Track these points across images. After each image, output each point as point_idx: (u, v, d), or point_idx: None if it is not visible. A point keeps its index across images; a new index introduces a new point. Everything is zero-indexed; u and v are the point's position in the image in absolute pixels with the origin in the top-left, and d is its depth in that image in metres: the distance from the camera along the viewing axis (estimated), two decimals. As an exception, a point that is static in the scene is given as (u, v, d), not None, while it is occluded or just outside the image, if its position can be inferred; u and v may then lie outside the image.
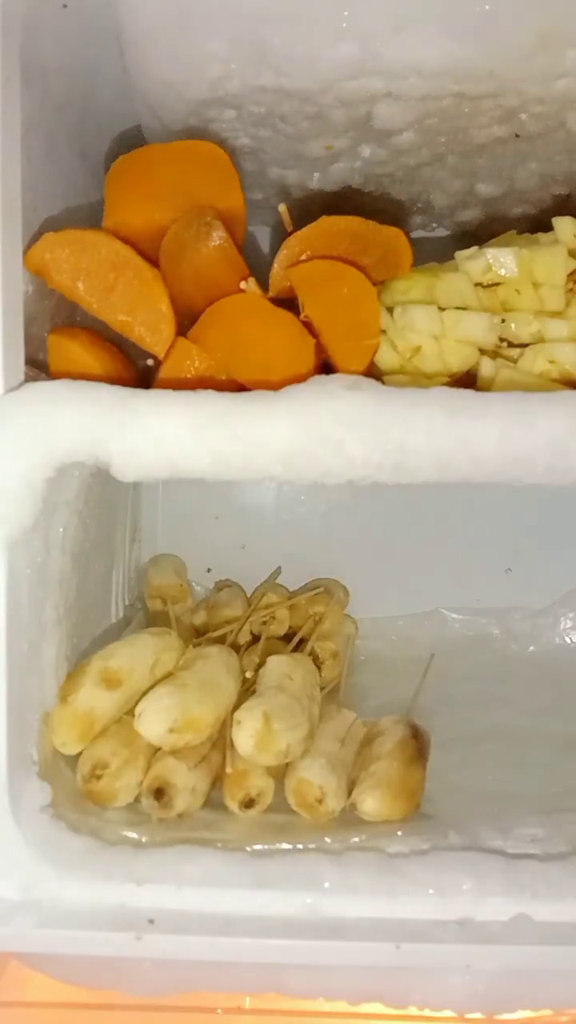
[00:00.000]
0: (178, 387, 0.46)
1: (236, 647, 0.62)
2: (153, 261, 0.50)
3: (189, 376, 0.50)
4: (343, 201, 0.66)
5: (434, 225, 0.75)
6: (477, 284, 0.53)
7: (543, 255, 0.51)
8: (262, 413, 0.44)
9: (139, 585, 0.77)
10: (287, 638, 0.68)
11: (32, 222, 0.49)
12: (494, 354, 0.53)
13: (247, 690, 0.54)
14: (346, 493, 0.79)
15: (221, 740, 0.51)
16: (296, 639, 0.67)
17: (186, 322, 0.51)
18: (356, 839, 0.47)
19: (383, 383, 0.47)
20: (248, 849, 0.46)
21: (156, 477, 0.44)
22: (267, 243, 0.76)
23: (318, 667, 0.61)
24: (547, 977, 0.47)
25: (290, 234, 0.53)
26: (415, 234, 0.75)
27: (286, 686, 0.52)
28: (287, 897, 0.44)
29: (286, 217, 0.54)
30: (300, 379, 0.46)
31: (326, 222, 0.52)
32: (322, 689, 0.58)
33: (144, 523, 0.79)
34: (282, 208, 0.55)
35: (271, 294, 0.52)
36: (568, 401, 0.44)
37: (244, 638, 0.68)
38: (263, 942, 0.43)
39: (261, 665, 0.55)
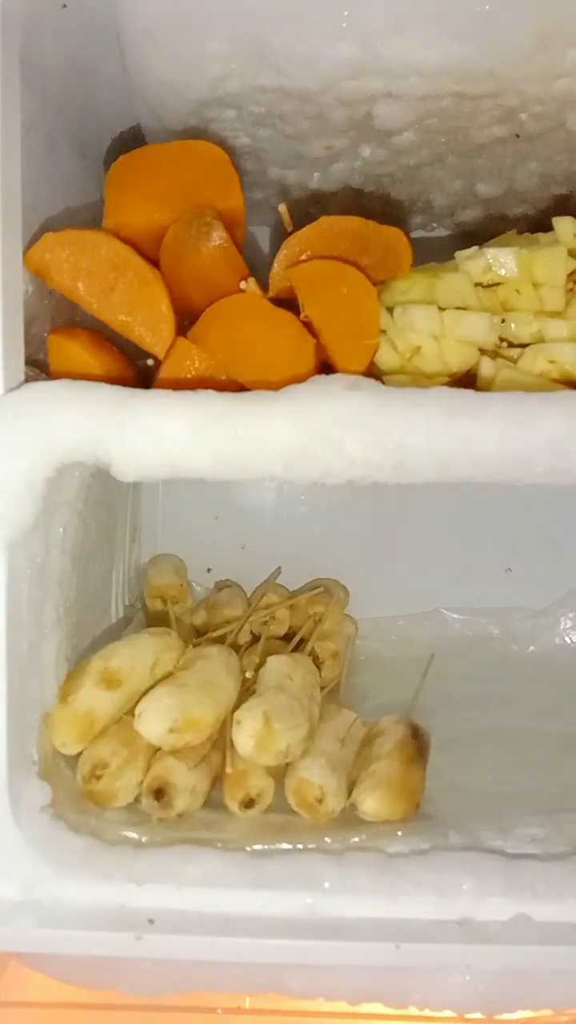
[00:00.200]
0: (178, 387, 0.46)
1: (236, 647, 0.62)
2: (153, 261, 0.50)
3: (189, 376, 0.50)
4: (343, 201, 0.66)
5: (434, 225, 0.75)
6: (477, 284, 0.53)
7: (543, 255, 0.51)
8: (262, 413, 0.44)
9: (139, 585, 0.77)
10: (287, 638, 0.68)
11: (32, 222, 0.49)
12: (494, 354, 0.53)
13: (247, 690, 0.54)
14: (346, 493, 0.79)
15: (221, 740, 0.51)
16: (296, 639, 0.67)
17: (186, 322, 0.51)
18: (356, 839, 0.47)
19: (383, 383, 0.47)
20: (248, 849, 0.46)
21: (156, 477, 0.44)
22: (267, 243, 0.76)
23: (318, 667, 0.61)
24: (547, 977, 0.47)
25: (290, 234, 0.53)
26: (415, 234, 0.75)
27: (286, 686, 0.52)
28: (287, 897, 0.44)
29: (286, 217, 0.54)
30: (300, 379, 0.46)
31: (326, 222, 0.52)
32: (322, 689, 0.58)
33: (144, 523, 0.79)
34: (282, 208, 0.55)
35: (271, 294, 0.52)
36: (568, 401, 0.44)
37: (244, 638, 0.68)
38: (263, 942, 0.43)
39: (261, 665, 0.55)
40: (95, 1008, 0.56)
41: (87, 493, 0.54)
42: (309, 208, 0.66)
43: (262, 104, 0.52)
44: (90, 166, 0.59)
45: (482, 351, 0.53)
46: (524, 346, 0.52)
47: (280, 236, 0.54)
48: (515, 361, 0.52)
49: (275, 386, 0.46)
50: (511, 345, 0.53)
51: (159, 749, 0.49)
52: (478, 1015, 0.53)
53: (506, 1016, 0.53)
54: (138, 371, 0.54)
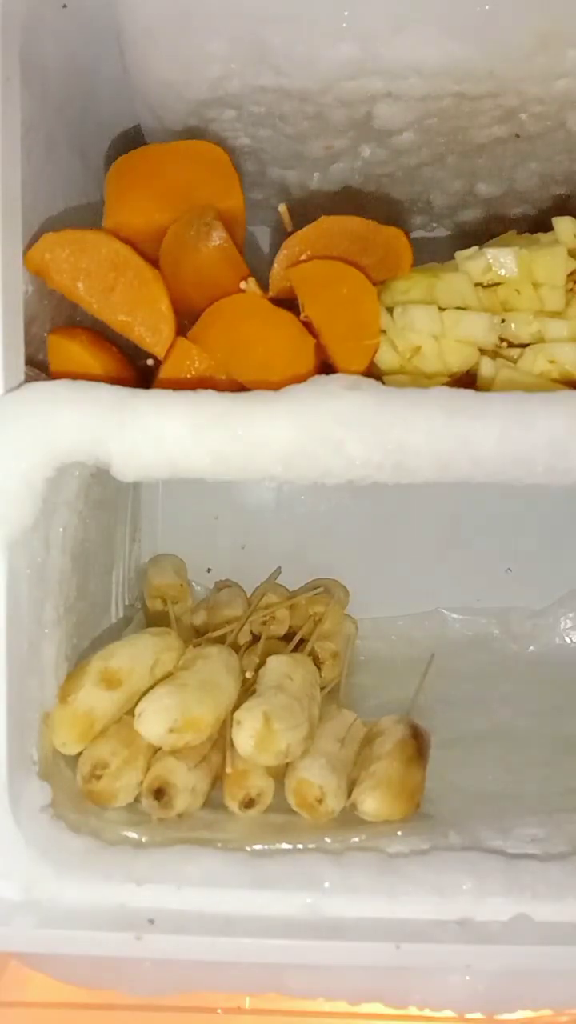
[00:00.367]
0: (178, 387, 0.46)
1: (236, 647, 0.62)
2: (153, 261, 0.50)
3: (189, 376, 0.50)
4: (343, 201, 0.66)
5: (434, 225, 0.75)
6: (477, 284, 0.53)
7: (543, 255, 0.51)
8: (262, 413, 0.44)
9: (139, 585, 0.77)
10: (287, 638, 0.68)
11: (32, 222, 0.49)
12: (494, 354, 0.53)
13: (247, 690, 0.54)
14: (346, 493, 0.79)
15: (221, 740, 0.51)
16: (296, 639, 0.67)
17: (186, 322, 0.51)
18: (356, 839, 0.47)
19: (383, 383, 0.47)
20: (248, 849, 0.46)
21: (156, 477, 0.44)
22: (267, 243, 0.76)
23: (318, 667, 0.61)
24: (547, 977, 0.47)
25: (290, 234, 0.53)
26: (415, 234, 0.75)
27: (286, 686, 0.52)
28: (287, 897, 0.44)
29: (286, 217, 0.54)
30: (300, 379, 0.46)
31: (326, 222, 0.52)
32: (322, 689, 0.58)
33: (144, 523, 0.79)
34: (282, 208, 0.55)
35: (271, 294, 0.52)
36: (568, 401, 0.44)
37: (244, 638, 0.68)
38: (263, 942, 0.43)
39: (261, 665, 0.55)
40: (95, 1008, 0.56)
41: (87, 493, 0.54)
42: (309, 208, 0.65)
43: (262, 104, 0.52)
44: (90, 166, 0.59)
45: (482, 351, 0.53)
46: (524, 346, 0.52)
47: (280, 236, 0.54)
48: (515, 361, 0.52)
49: (275, 386, 0.46)
50: (511, 345, 0.53)
51: (159, 749, 0.49)
52: (478, 1015, 0.53)
53: (506, 1016, 0.53)
54: (138, 371, 0.54)
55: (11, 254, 0.44)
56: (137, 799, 0.48)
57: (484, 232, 0.69)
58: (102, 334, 0.53)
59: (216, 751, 0.51)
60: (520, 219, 0.70)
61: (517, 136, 0.55)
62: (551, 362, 0.51)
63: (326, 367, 0.52)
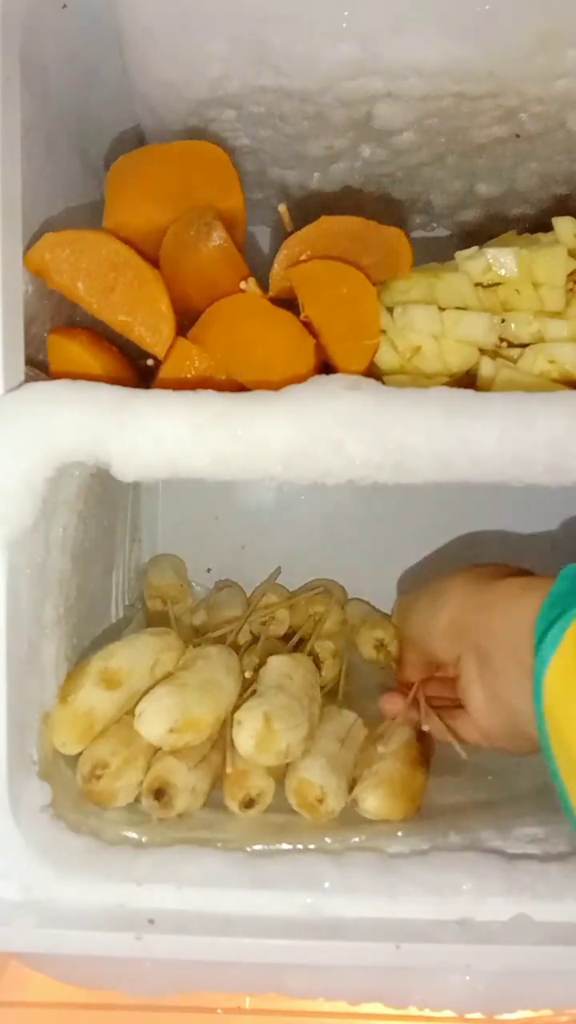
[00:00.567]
0: (178, 387, 0.46)
1: (236, 647, 0.62)
2: (153, 261, 0.50)
3: (189, 376, 0.50)
4: (343, 201, 0.66)
5: (434, 225, 0.75)
6: (477, 284, 0.53)
7: (543, 255, 0.51)
8: (262, 413, 0.44)
9: (139, 585, 0.77)
10: (287, 638, 0.68)
11: (32, 222, 0.49)
12: (494, 354, 0.53)
13: (247, 690, 0.54)
14: (346, 493, 0.79)
15: (221, 740, 0.51)
16: (296, 639, 0.67)
17: (186, 322, 0.51)
18: (356, 839, 0.47)
19: (383, 383, 0.47)
20: (248, 849, 0.46)
21: (156, 477, 0.44)
22: (267, 243, 0.76)
23: (318, 667, 0.61)
24: (547, 977, 0.47)
25: (290, 234, 0.53)
26: (415, 234, 0.75)
27: (286, 686, 0.52)
28: (287, 897, 0.44)
29: (286, 217, 0.54)
30: (300, 379, 0.46)
31: (326, 222, 0.52)
32: (322, 689, 0.58)
33: (144, 523, 0.79)
34: (282, 208, 0.55)
35: (271, 294, 0.52)
36: (568, 401, 0.44)
37: (244, 638, 0.68)
38: (263, 942, 0.43)
39: (261, 665, 0.55)
40: (95, 1008, 0.57)
41: (87, 493, 0.54)
42: (309, 208, 0.65)
43: (262, 104, 0.52)
44: (90, 166, 0.59)
45: (482, 351, 0.53)
46: (524, 346, 0.52)
47: (280, 236, 0.54)
48: (515, 361, 0.52)
49: (275, 386, 0.46)
50: (511, 345, 0.53)
51: (159, 749, 0.49)
52: (478, 1015, 0.53)
53: (506, 1016, 0.53)
54: (138, 371, 0.54)
55: (11, 254, 0.44)
56: (137, 799, 0.48)
57: (484, 232, 0.69)
58: (102, 334, 0.53)
59: (216, 751, 0.51)
60: (520, 219, 0.70)
61: (517, 136, 0.55)
62: (551, 362, 0.51)
63: (326, 367, 0.52)
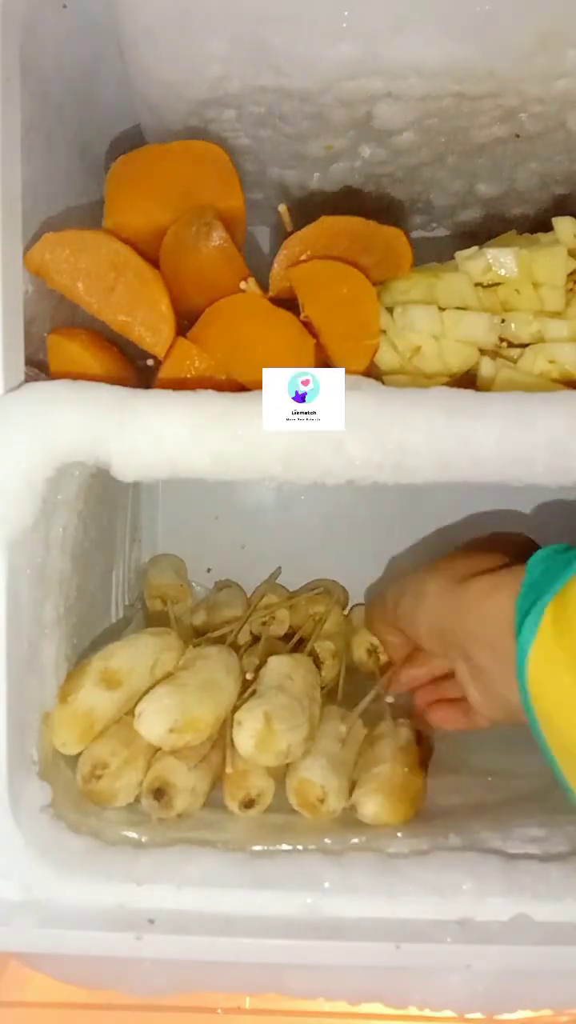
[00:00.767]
0: (178, 387, 0.46)
1: (236, 647, 0.62)
2: (153, 261, 0.50)
3: (189, 376, 0.50)
4: (343, 201, 0.66)
5: (434, 225, 0.75)
6: (477, 284, 0.53)
7: (543, 255, 0.51)
8: (262, 413, 0.44)
9: (139, 585, 0.77)
10: (287, 638, 0.68)
11: (32, 222, 0.49)
12: (494, 354, 0.53)
13: (247, 690, 0.54)
14: (346, 493, 0.79)
15: (221, 740, 0.51)
16: (295, 639, 0.67)
17: (186, 322, 0.51)
18: (356, 839, 0.47)
19: (383, 383, 0.47)
20: (248, 849, 0.46)
21: (156, 477, 0.44)
22: (267, 243, 0.76)
23: (318, 667, 0.61)
24: (547, 977, 0.47)
25: (290, 234, 0.53)
26: (415, 234, 0.75)
27: (286, 686, 0.52)
28: (287, 897, 0.44)
29: (286, 217, 0.54)
30: (300, 379, 0.46)
31: (326, 222, 0.52)
32: (322, 689, 0.58)
33: (144, 523, 0.79)
34: (282, 208, 0.55)
35: (271, 294, 0.52)
36: (568, 401, 0.44)
37: (244, 638, 0.68)
38: (263, 942, 0.43)
39: (261, 665, 0.55)
40: (95, 1008, 0.57)
41: (87, 493, 0.54)
42: (309, 208, 0.65)
43: (262, 104, 0.52)
44: (90, 166, 0.59)
45: (482, 351, 0.53)
46: (524, 346, 0.52)
47: (280, 236, 0.54)
48: (515, 361, 0.52)
49: (275, 386, 0.46)
50: (511, 345, 0.53)
51: (159, 749, 0.49)
52: (478, 1015, 0.53)
53: (506, 1016, 0.53)
54: (138, 371, 0.54)
55: (11, 254, 0.44)
56: (137, 799, 0.48)
57: (484, 232, 0.69)
58: (102, 334, 0.53)
59: (216, 751, 0.51)
60: (520, 219, 0.70)
61: (517, 136, 0.55)
62: (551, 362, 0.51)
63: (326, 367, 0.52)
